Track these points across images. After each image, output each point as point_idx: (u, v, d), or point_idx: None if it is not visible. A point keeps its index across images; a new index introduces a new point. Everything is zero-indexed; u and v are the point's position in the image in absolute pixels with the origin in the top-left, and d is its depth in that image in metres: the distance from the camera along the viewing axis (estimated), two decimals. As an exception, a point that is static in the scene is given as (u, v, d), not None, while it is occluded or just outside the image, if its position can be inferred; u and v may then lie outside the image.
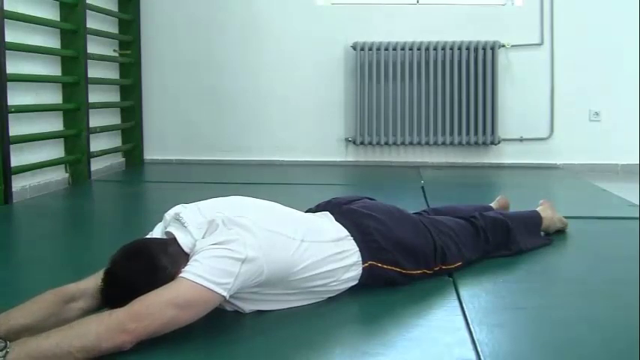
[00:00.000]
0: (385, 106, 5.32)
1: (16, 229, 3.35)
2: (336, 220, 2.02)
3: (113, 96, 5.27)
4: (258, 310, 1.79)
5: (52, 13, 4.23)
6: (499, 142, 5.30)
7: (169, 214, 1.79)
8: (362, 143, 5.38)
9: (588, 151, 5.32)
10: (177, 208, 1.79)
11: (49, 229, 3.19)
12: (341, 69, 5.42)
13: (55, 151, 4.27)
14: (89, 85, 4.45)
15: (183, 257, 1.65)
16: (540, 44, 5.29)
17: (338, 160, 5.49)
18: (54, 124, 4.26)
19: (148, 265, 1.60)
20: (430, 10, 5.37)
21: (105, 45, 5.01)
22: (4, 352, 1.38)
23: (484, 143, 5.30)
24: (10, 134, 3.59)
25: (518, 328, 1.77)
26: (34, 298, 1.61)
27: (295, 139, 5.50)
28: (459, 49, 5.22)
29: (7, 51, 3.53)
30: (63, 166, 4.35)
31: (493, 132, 5.25)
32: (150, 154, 5.59)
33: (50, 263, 2.50)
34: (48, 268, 2.40)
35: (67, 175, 4.36)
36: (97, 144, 4.71)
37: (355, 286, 1.95)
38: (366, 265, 1.95)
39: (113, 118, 5.25)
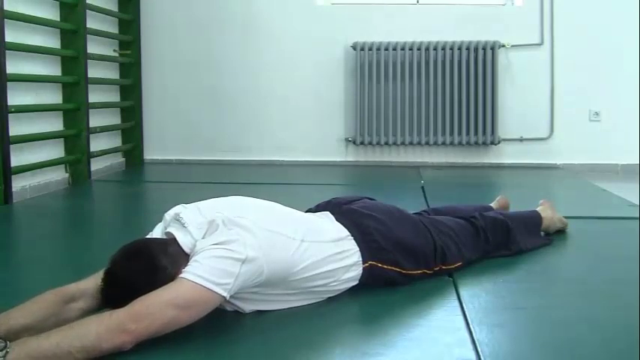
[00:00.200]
0: (385, 106, 5.32)
1: (16, 229, 3.35)
2: (337, 220, 2.02)
3: (113, 96, 5.27)
4: (258, 310, 1.79)
5: (52, 13, 4.23)
6: (499, 142, 5.30)
7: (169, 215, 1.79)
8: (362, 143, 5.38)
9: (588, 151, 5.32)
10: (177, 209, 1.79)
11: (49, 229, 3.19)
12: (341, 69, 5.42)
13: (55, 151, 4.27)
14: (89, 85, 4.45)
15: (183, 257, 1.65)
16: (540, 44, 5.29)
17: (338, 160, 5.49)
18: (54, 124, 4.26)
19: (148, 265, 1.60)
20: (430, 10, 5.37)
21: (105, 45, 5.01)
22: (4, 352, 1.38)
23: (484, 143, 5.30)
24: (10, 134, 3.59)
25: (518, 328, 1.77)
26: (34, 298, 1.61)
27: (295, 139, 5.50)
28: (459, 49, 5.22)
29: (7, 51, 3.53)
30: (63, 166, 4.35)
31: (493, 132, 5.25)
32: (150, 154, 5.59)
33: (50, 263, 2.50)
34: (48, 268, 2.40)
35: (67, 175, 4.36)
36: (97, 144, 4.71)
37: (355, 286, 1.95)
38: (366, 265, 1.95)
39: (113, 118, 5.25)
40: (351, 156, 5.50)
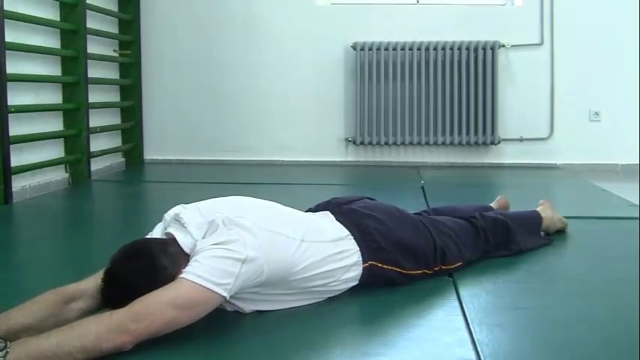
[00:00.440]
0: (385, 106, 5.32)
1: (16, 229, 3.35)
2: (337, 219, 2.02)
3: (113, 96, 5.27)
4: (258, 310, 1.79)
5: (52, 13, 4.23)
6: (499, 142, 5.30)
7: (169, 215, 1.79)
8: (362, 143, 5.38)
9: (588, 151, 5.32)
10: (177, 209, 1.79)
11: (49, 229, 3.19)
12: (341, 69, 5.42)
13: (55, 151, 4.27)
14: (89, 85, 4.45)
15: (183, 258, 1.65)
16: (540, 44, 5.29)
17: (338, 160, 5.49)
18: (54, 124, 4.26)
19: (148, 265, 1.60)
20: (430, 10, 5.37)
21: (105, 45, 5.01)
22: (4, 352, 1.38)
23: (484, 143, 5.30)
24: (10, 134, 3.59)
25: (518, 328, 1.77)
26: (34, 298, 1.61)
27: (295, 139, 5.50)
28: (459, 49, 5.22)
29: (7, 51, 3.53)
30: (63, 166, 4.35)
31: (493, 132, 5.25)
32: (150, 154, 5.60)
33: (50, 263, 2.50)
34: (48, 268, 2.40)
35: (67, 175, 4.36)
36: (97, 144, 4.71)
37: (355, 286, 1.95)
38: (366, 265, 1.95)
39: (113, 118, 5.25)
40: (351, 156, 5.50)
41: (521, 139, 5.37)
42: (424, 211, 2.55)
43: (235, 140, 5.53)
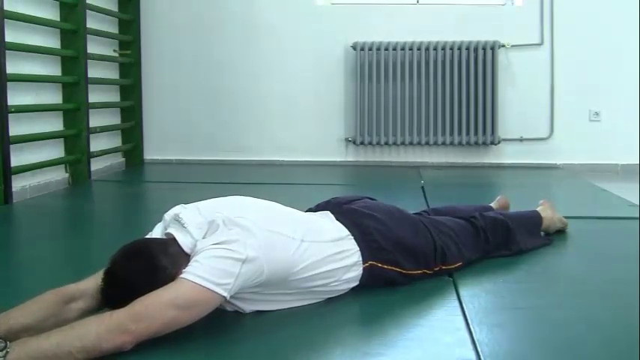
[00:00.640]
0: (385, 106, 5.32)
1: (16, 229, 3.35)
2: (337, 219, 2.02)
3: (113, 96, 5.27)
4: (259, 311, 1.79)
5: (52, 13, 4.23)
6: (499, 142, 5.30)
7: (169, 215, 1.79)
8: (362, 143, 5.38)
9: (588, 151, 5.32)
10: (177, 209, 1.79)
11: (49, 229, 3.19)
12: (341, 69, 5.42)
13: (55, 151, 4.27)
14: (89, 85, 4.45)
15: (183, 258, 1.65)
16: (540, 44, 5.29)
17: (338, 160, 5.49)
18: (54, 124, 4.26)
19: (148, 265, 1.60)
20: (430, 10, 5.37)
21: (105, 45, 5.01)
22: (4, 352, 1.38)
23: (484, 143, 5.30)
24: (10, 134, 3.59)
25: (518, 328, 1.77)
26: (34, 298, 1.61)
27: (295, 139, 5.50)
28: (459, 49, 5.22)
29: (7, 51, 3.53)
30: (63, 166, 4.35)
31: (493, 132, 5.26)
32: (150, 154, 5.59)
33: (50, 263, 2.50)
34: (48, 268, 2.40)
35: (67, 175, 4.36)
36: (97, 144, 4.71)
37: (355, 286, 1.95)
38: (367, 265, 1.95)
39: (113, 118, 5.25)
40: (351, 156, 5.50)
41: (521, 139, 5.37)
42: (424, 211, 2.55)
43: (235, 140, 5.53)
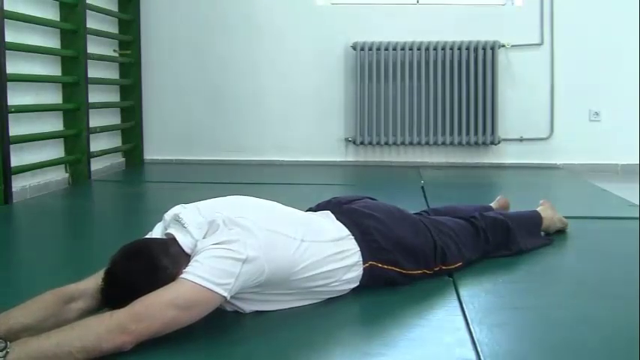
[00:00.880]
0: (385, 106, 5.32)
1: (16, 229, 3.35)
2: (337, 219, 2.02)
3: (113, 96, 5.27)
4: (259, 311, 1.79)
5: (52, 13, 4.23)
6: (499, 142, 5.30)
7: (169, 215, 1.79)
8: (362, 143, 5.38)
9: (588, 151, 5.32)
10: (177, 209, 1.79)
11: (49, 229, 3.20)
12: (341, 69, 5.42)
13: (55, 151, 4.27)
14: (89, 85, 4.45)
15: (184, 258, 1.65)
16: (540, 44, 5.29)
17: (338, 160, 5.49)
18: (54, 124, 4.26)
19: (149, 265, 1.60)
20: (430, 10, 5.37)
21: (105, 45, 5.01)
22: (4, 352, 1.38)
23: (484, 143, 5.30)
24: (10, 134, 3.59)
25: (518, 328, 1.77)
26: (34, 298, 1.61)
27: (295, 139, 5.50)
28: (459, 49, 5.22)
29: (7, 51, 3.53)
30: (63, 166, 4.35)
31: (493, 132, 5.26)
32: (150, 154, 5.60)
33: (50, 263, 2.50)
34: (48, 268, 2.40)
35: (67, 175, 4.36)
36: (97, 144, 4.71)
37: (355, 286, 1.95)
38: (367, 265, 1.94)
39: (113, 118, 5.25)
40: (351, 156, 5.50)
41: (521, 139, 5.37)
42: (424, 211, 2.55)
43: (235, 140, 5.53)
